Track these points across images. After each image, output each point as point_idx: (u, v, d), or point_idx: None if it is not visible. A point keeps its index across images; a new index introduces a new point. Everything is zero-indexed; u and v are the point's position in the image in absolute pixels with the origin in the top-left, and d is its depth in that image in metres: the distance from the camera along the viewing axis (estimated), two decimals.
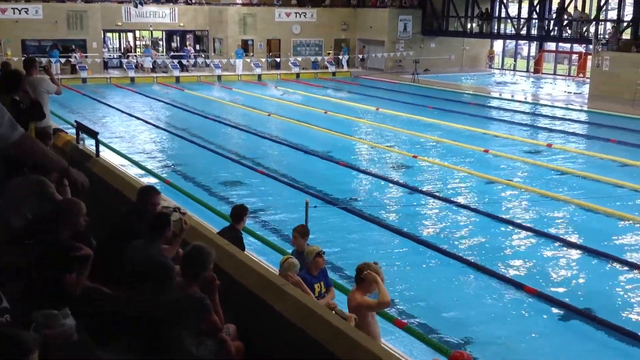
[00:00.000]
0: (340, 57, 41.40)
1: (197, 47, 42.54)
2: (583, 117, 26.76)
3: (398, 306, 9.31)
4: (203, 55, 40.44)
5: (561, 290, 10.06)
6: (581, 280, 10.53)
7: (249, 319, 4.72)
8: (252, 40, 40.75)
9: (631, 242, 12.17)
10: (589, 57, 33.70)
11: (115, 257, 4.86)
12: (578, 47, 40.30)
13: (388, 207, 14.46)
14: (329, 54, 41.60)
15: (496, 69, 45.23)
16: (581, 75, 39.28)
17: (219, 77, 37.29)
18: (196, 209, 13.14)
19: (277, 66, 40.38)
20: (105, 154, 14.03)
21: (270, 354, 4.54)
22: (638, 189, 15.24)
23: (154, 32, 41.52)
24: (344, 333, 4.14)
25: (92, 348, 3.84)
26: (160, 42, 42.49)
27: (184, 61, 38.54)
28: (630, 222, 13.09)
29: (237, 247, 6.38)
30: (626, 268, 10.90)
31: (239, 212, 8.01)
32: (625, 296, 9.94)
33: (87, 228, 4.54)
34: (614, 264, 11.08)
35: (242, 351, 4.42)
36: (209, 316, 4.20)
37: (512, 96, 33.10)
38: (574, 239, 12.29)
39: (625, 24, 33.00)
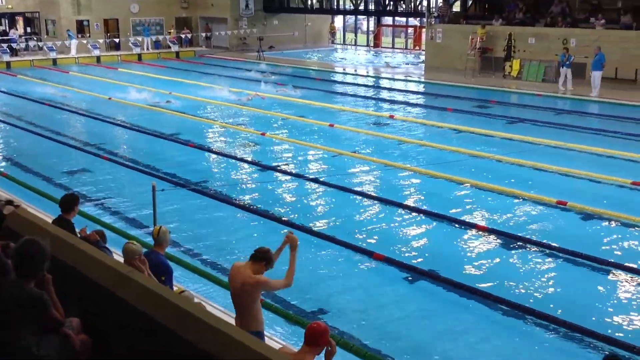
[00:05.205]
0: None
1: (28, 29, 39.91)
2: (421, 88, 28.01)
3: None
4: (35, 38, 38.01)
5: (408, 254, 10.54)
6: (426, 243, 11.08)
7: (94, 310, 4.54)
8: (88, 20, 38.86)
9: (468, 203, 12.96)
10: (424, 30, 35.25)
11: None
12: (413, 21, 42.13)
13: (239, 186, 14.43)
14: (170, 33, 40.50)
15: (338, 44, 46.33)
16: (417, 47, 41.13)
17: (55, 60, 35.34)
18: (37, 200, 12.51)
19: (116, 47, 38.82)
20: None
21: (120, 343, 4.41)
22: (472, 154, 16.22)
23: None
24: (195, 316, 4.09)
25: None
26: None
27: (14, 45, 36.07)
28: (467, 185, 13.93)
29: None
30: (464, 228, 11.61)
31: (70, 202, 7.59)
32: (466, 255, 10.60)
33: None
34: (454, 225, 11.76)
35: (88, 344, 4.24)
36: (48, 312, 4.01)
37: (355, 70, 34.06)
38: (417, 204, 12.90)
39: None
